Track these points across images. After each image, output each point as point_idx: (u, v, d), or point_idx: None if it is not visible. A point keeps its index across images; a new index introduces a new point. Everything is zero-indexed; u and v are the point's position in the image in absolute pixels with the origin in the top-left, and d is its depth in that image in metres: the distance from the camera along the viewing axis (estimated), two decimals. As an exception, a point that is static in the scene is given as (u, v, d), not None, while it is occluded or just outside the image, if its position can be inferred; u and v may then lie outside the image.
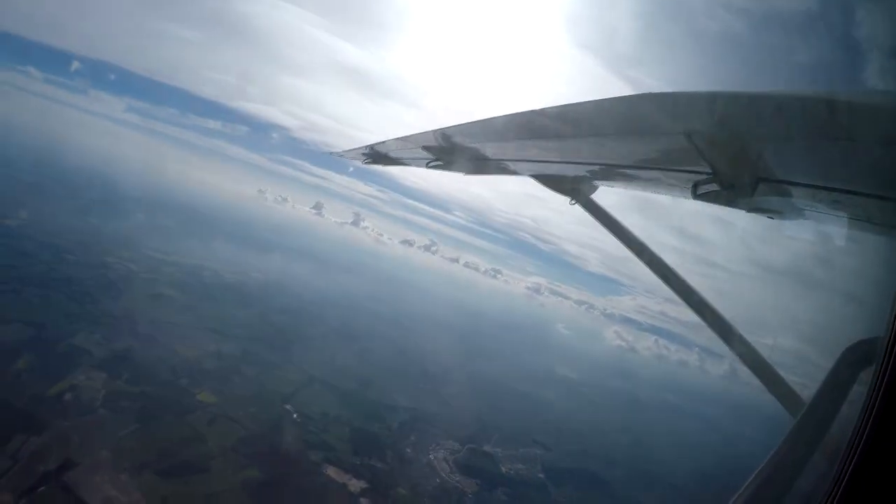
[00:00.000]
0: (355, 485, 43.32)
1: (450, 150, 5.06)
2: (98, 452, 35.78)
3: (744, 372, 3.54)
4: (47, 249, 68.41)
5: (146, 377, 47.05)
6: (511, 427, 65.07)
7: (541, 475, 56.93)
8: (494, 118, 4.04)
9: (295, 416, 50.38)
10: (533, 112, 3.62)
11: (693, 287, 4.03)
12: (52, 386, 41.38)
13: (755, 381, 3.48)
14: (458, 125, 4.64)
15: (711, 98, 2.44)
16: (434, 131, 4.89)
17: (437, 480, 49.00)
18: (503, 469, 55.39)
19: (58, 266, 64.75)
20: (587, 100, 3.14)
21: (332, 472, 43.97)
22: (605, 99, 3.02)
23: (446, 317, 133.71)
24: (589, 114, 3.32)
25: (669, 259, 4.16)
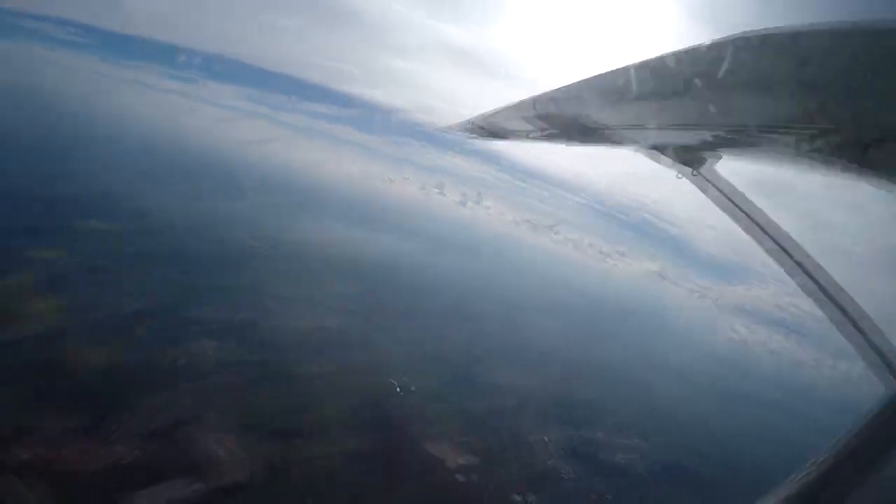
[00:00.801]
0: (455, 461, 43.57)
1: (552, 117, 4.61)
2: (207, 413, 37.80)
3: (865, 376, 3.19)
4: (169, 229, 72.62)
5: (258, 347, 49.38)
6: (616, 415, 63.76)
7: (641, 468, 55.65)
8: (595, 77, 3.45)
9: (401, 390, 51.11)
10: (634, 67, 3.05)
11: (819, 278, 3.56)
12: (168, 351, 44.05)
13: (879, 390, 3.23)
14: (559, 88, 4.05)
15: (829, 34, 1.90)
16: (535, 97, 4.41)
17: (537, 463, 48.63)
18: (604, 457, 54.22)
19: (177, 244, 68.62)
20: (686, 47, 2.60)
21: (433, 447, 44.28)
22: (700, 46, 2.51)
23: (561, 298, 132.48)
24: (684, 65, 2.78)
25: (794, 246, 3.68)
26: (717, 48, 2.43)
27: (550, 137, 5.16)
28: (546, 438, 52.61)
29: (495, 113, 5.56)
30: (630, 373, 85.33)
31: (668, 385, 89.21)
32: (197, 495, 31.60)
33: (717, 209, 4.08)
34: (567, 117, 4.50)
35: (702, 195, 4.11)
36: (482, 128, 6.09)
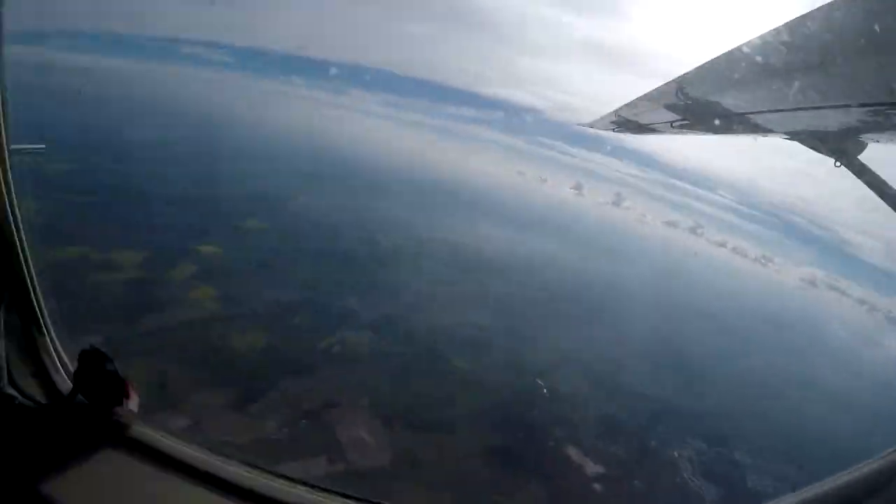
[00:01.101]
0: (592, 468, 42.10)
1: (689, 103, 4.29)
2: (356, 400, 39.47)
3: None
4: (322, 228, 76.53)
5: (407, 340, 51.28)
6: (766, 436, 59.55)
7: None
8: (729, 54, 3.19)
9: (544, 391, 50.21)
10: (766, 37, 2.70)
11: None
12: (322, 340, 46.60)
13: None
14: (694, 70, 3.78)
15: None
16: (671, 83, 4.18)
17: (677, 480, 46.22)
18: (749, 482, 50.85)
19: (331, 241, 72.22)
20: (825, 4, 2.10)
21: (571, 451, 43.15)
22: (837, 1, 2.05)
23: (710, 305, 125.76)
24: (822, 28, 2.31)
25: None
26: (860, 3, 2.02)
27: (690, 128, 4.91)
28: (689, 454, 50.23)
29: (633, 104, 5.32)
30: (781, 390, 79.81)
31: (825, 407, 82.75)
32: (336, 474, 32.80)
33: (878, 206, 3.33)
34: (704, 102, 4.12)
35: (859, 190, 3.46)
36: (622, 121, 5.89)
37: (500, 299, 69.78)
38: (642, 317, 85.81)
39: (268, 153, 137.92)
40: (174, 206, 67.36)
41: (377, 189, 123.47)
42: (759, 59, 2.89)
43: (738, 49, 2.95)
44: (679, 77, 4.00)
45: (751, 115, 4.01)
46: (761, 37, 2.73)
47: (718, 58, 3.29)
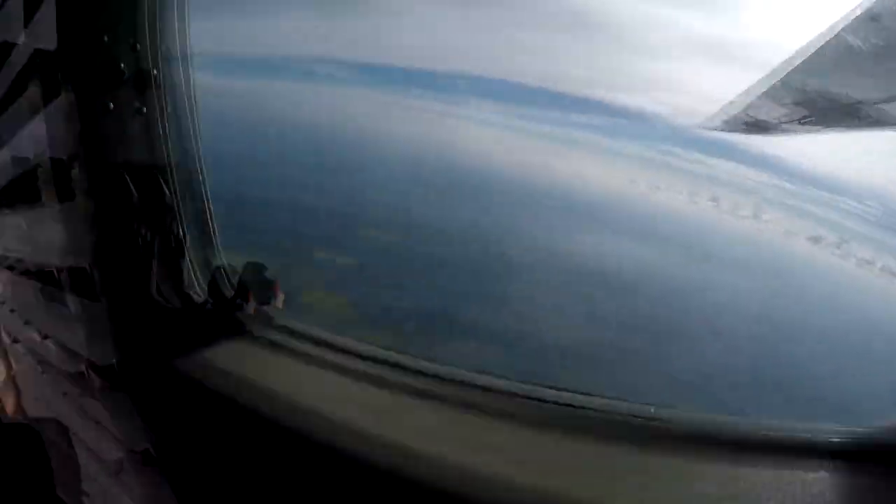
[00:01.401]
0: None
1: (813, 95, 3.83)
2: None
3: None
4: (441, 238, 77.20)
5: (515, 354, 50.28)
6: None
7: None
8: (847, 29, 2.71)
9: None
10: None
11: None
12: (440, 351, 46.63)
13: None
14: (822, 48, 3.14)
15: None
16: (794, 71, 3.64)
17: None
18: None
19: (450, 252, 72.85)
20: None
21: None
22: None
23: (852, 331, 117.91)
24: None
25: None
26: None
27: (818, 124, 4.40)
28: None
29: (754, 101, 4.89)
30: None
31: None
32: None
33: None
34: (828, 91, 3.68)
35: None
36: (743, 121, 5.47)
37: (620, 315, 68.39)
38: (774, 341, 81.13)
39: (388, 165, 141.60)
40: (299, 215, 70.19)
41: (496, 199, 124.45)
42: (884, 32, 2.41)
43: (866, 15, 2.47)
44: (800, 63, 3.52)
45: (885, 104, 3.45)
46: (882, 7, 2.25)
47: (844, 30, 2.80)
